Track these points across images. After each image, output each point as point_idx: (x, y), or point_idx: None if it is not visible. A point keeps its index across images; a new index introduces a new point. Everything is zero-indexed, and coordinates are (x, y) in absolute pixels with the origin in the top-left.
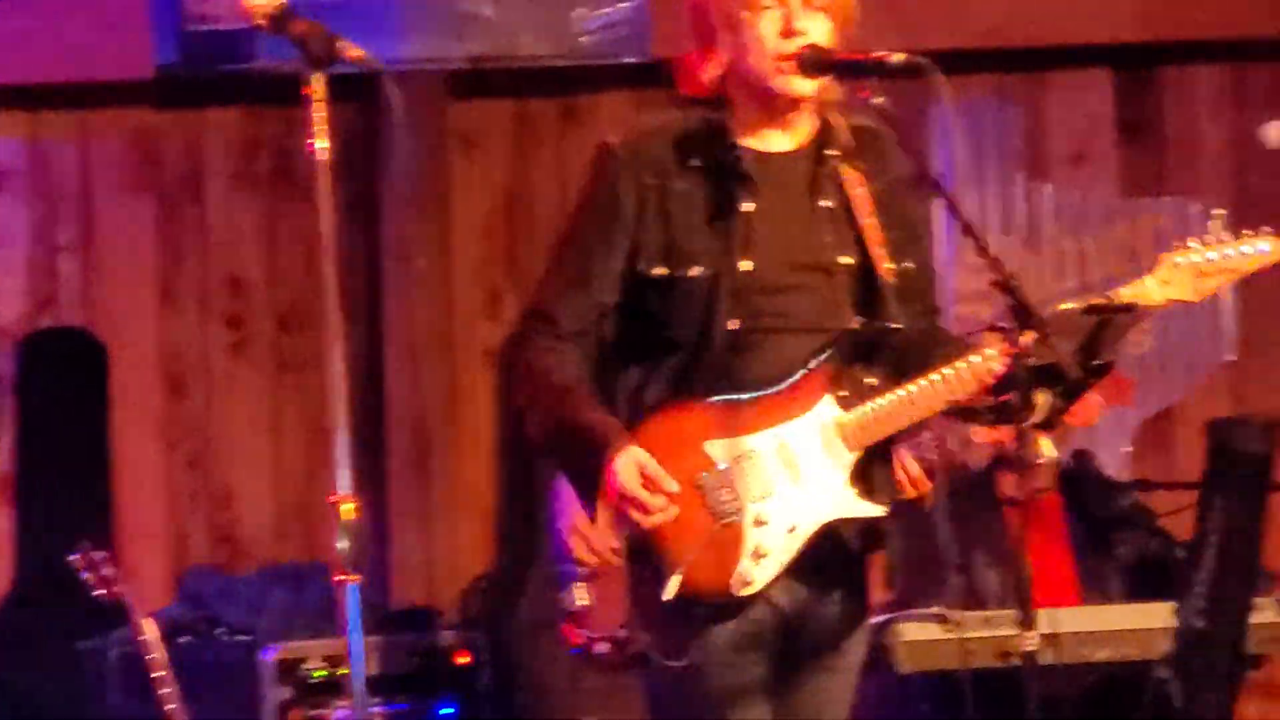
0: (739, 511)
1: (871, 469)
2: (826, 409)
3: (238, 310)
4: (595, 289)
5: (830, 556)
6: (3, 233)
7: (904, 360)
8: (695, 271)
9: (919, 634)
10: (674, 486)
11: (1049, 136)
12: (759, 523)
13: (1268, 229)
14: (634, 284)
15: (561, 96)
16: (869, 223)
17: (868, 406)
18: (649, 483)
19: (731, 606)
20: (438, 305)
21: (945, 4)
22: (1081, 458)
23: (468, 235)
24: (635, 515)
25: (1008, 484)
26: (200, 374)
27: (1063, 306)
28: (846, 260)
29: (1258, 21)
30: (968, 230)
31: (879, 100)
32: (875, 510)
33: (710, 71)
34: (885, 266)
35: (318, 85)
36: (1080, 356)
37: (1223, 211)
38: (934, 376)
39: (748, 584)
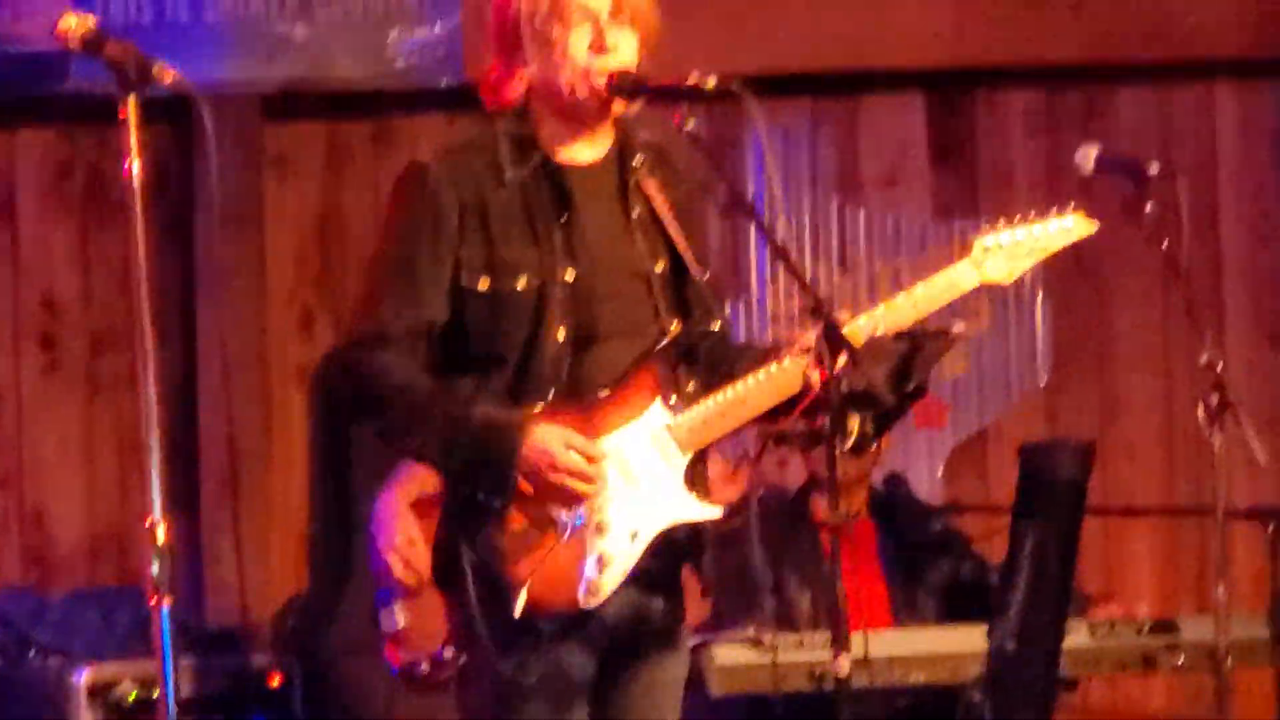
0: (581, 521)
1: (697, 471)
2: (657, 413)
3: (51, 331)
4: (426, 305)
5: (660, 562)
6: None
7: (716, 363)
8: (522, 283)
9: (732, 657)
10: (602, 452)
11: (862, 160)
12: (601, 530)
13: (1072, 205)
14: (458, 298)
15: (374, 119)
16: (675, 230)
17: (698, 408)
18: (578, 451)
19: (577, 618)
20: (251, 326)
21: (759, 27)
22: (894, 481)
23: (281, 257)
24: (576, 485)
25: (822, 508)
26: (12, 395)
27: (876, 331)
28: (660, 267)
29: (1069, 46)
30: (780, 253)
31: (691, 124)
32: (712, 512)
33: (517, 85)
34: (695, 271)
35: (132, 107)
36: (893, 381)
37: None
38: (759, 375)
39: (596, 594)
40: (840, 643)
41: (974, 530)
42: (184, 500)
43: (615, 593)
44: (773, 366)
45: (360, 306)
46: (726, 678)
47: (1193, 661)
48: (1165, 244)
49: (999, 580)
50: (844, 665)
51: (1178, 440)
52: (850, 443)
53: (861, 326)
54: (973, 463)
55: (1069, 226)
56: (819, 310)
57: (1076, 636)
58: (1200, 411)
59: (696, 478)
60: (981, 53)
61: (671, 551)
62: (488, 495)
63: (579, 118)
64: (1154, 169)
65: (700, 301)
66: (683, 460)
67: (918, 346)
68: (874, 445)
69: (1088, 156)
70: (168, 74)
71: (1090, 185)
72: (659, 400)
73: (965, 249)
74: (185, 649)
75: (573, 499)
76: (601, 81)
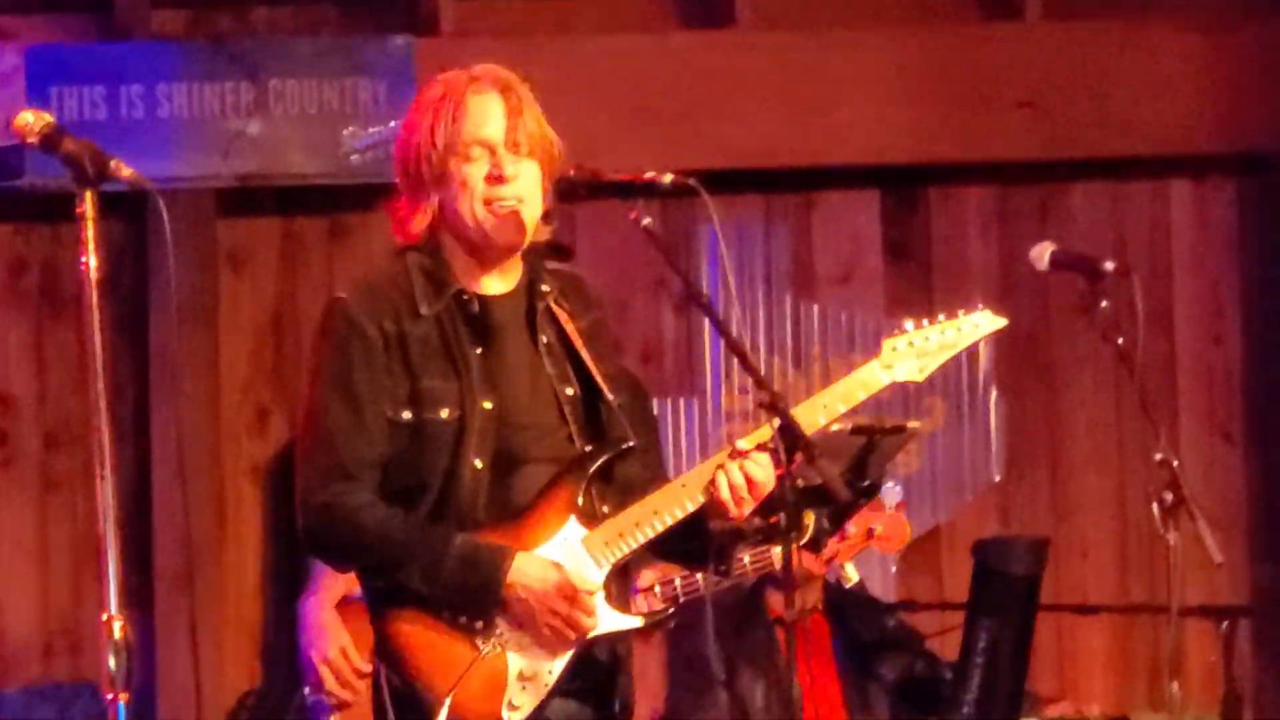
0: (500, 639)
1: (617, 583)
2: (572, 529)
3: (4, 428)
4: (376, 436)
5: (589, 668)
6: None
7: (632, 482)
8: (444, 414)
9: None
10: (593, 585)
11: (816, 256)
12: (522, 646)
13: (980, 305)
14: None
15: (329, 214)
16: (585, 354)
17: (611, 522)
18: (566, 593)
19: None
20: (206, 422)
21: (714, 124)
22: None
23: (236, 352)
24: (554, 624)
25: (777, 602)
26: None
27: (830, 427)
28: (570, 391)
29: (1023, 143)
30: (735, 350)
31: (647, 221)
32: (631, 623)
33: (422, 220)
34: (608, 396)
35: (89, 204)
36: (848, 477)
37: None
38: (658, 495)
39: (516, 709)
40: None
41: (927, 627)
42: (138, 596)
43: (540, 707)
44: (681, 479)
45: (310, 441)
46: None
47: None
48: (1119, 340)
49: (952, 677)
50: None
51: (1131, 537)
52: (806, 538)
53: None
54: (926, 560)
55: (979, 323)
56: (774, 406)
57: None
58: (1154, 509)
59: (614, 590)
60: (935, 150)
61: (596, 663)
62: (470, 619)
63: (485, 250)
64: (1108, 266)
65: (615, 425)
66: (599, 574)
67: (874, 442)
68: (828, 540)
69: (1042, 253)
70: (124, 170)
71: (1044, 282)
72: (573, 517)
73: (875, 351)
74: None
75: (550, 638)
76: (492, 212)
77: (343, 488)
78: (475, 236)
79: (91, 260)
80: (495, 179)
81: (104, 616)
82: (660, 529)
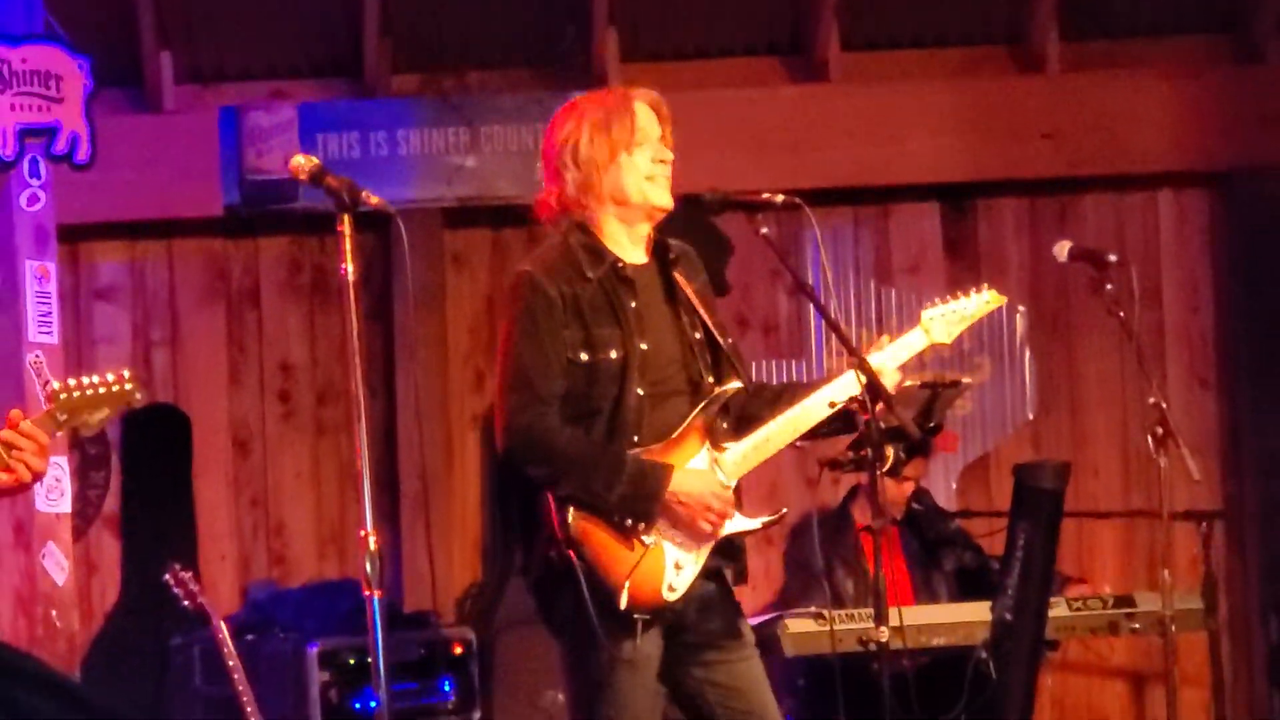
0: (660, 535)
1: (738, 495)
2: (707, 451)
3: (287, 388)
4: (560, 375)
5: (721, 554)
6: (111, 332)
7: (742, 410)
8: (612, 355)
9: (800, 627)
10: (731, 499)
11: (892, 253)
12: (675, 542)
13: (985, 285)
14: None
15: (529, 227)
16: (701, 308)
17: (737, 446)
18: (714, 497)
19: (663, 609)
20: (437, 384)
21: (814, 155)
22: (919, 493)
23: (459, 331)
24: (711, 520)
25: (862, 514)
26: (259, 437)
27: (904, 384)
28: (698, 335)
29: (1046, 165)
30: (832, 324)
31: (765, 230)
32: (754, 525)
33: (588, 201)
34: (722, 339)
35: (346, 224)
36: (918, 420)
37: (1023, 308)
38: (781, 419)
39: (674, 590)
40: (881, 617)
41: (980, 529)
42: (388, 516)
43: (690, 587)
44: (793, 410)
45: (510, 379)
46: (796, 643)
47: (1146, 628)
48: (1121, 314)
49: (999, 567)
50: (884, 633)
51: (1132, 461)
52: (887, 467)
53: (874, 357)
54: (979, 478)
55: (986, 299)
56: (861, 367)
57: (1057, 609)
58: (1149, 439)
59: (738, 500)
60: (981, 170)
61: (725, 549)
62: (635, 522)
63: (638, 216)
64: (1112, 258)
65: (729, 362)
66: (730, 486)
67: (937, 394)
68: (903, 468)
69: (1062, 249)
70: (372, 199)
71: (1064, 271)
72: (708, 442)
73: (914, 320)
74: (390, 626)
75: (705, 532)
76: (656, 180)
77: (539, 411)
78: (638, 201)
79: (349, 267)
80: (659, 160)
81: (361, 533)
82: (773, 452)
